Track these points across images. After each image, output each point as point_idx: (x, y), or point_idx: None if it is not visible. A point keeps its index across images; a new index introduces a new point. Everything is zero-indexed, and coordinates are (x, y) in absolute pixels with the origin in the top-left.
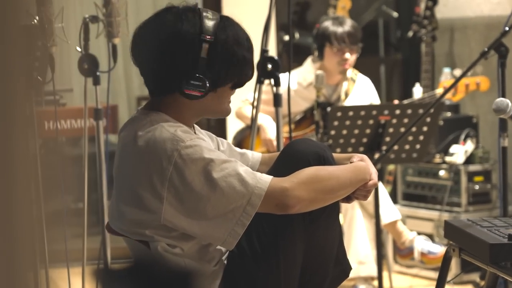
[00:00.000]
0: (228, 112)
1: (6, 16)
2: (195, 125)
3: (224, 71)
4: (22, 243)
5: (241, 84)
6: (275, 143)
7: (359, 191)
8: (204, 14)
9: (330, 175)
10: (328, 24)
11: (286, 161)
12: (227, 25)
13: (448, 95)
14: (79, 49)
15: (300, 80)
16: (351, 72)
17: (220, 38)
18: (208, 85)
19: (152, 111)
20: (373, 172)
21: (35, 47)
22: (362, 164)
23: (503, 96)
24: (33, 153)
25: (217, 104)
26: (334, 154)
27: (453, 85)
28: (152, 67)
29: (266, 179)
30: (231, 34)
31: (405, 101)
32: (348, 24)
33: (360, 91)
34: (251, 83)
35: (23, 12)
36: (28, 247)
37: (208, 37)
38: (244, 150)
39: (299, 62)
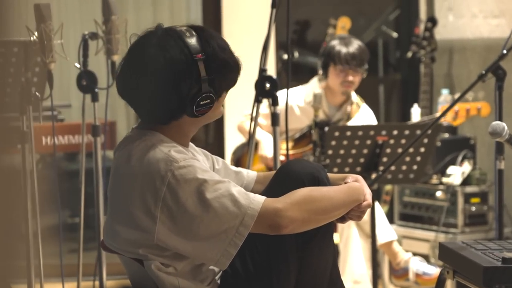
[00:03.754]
0: (221, 113)
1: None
2: (191, 143)
3: (224, 81)
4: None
5: (234, 85)
6: (271, 161)
7: (353, 211)
8: (182, 34)
9: (323, 196)
10: (334, 44)
11: (280, 181)
12: (207, 37)
13: (449, 120)
14: (78, 65)
15: (305, 97)
16: (356, 97)
17: (209, 52)
18: (215, 97)
19: (147, 130)
20: (368, 193)
21: (34, 63)
22: (356, 184)
23: (500, 119)
24: (30, 168)
25: (217, 110)
26: (329, 174)
27: (450, 108)
28: (153, 101)
29: (259, 199)
30: (215, 44)
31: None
32: (354, 46)
33: (362, 119)
34: (251, 100)
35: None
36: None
37: (199, 56)
38: (239, 169)
39: (298, 81)
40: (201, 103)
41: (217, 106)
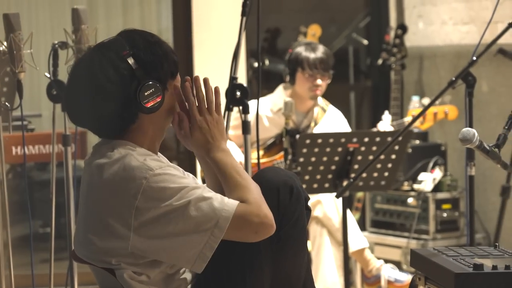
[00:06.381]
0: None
1: None
2: (163, 156)
3: (160, 66)
4: None
5: (177, 70)
6: None
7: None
8: (106, 42)
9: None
10: (300, 50)
11: None
12: (128, 34)
13: (416, 123)
14: (48, 75)
15: (271, 107)
16: (321, 101)
17: (134, 45)
18: (159, 85)
19: (115, 140)
20: None
21: (3, 73)
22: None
23: (470, 125)
24: (0, 178)
25: (173, 100)
26: None
27: (421, 114)
28: (103, 115)
29: (233, 203)
30: (137, 37)
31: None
32: (320, 50)
33: (331, 122)
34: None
35: None
36: None
37: (125, 52)
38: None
39: (269, 89)
40: (146, 93)
41: (170, 95)
